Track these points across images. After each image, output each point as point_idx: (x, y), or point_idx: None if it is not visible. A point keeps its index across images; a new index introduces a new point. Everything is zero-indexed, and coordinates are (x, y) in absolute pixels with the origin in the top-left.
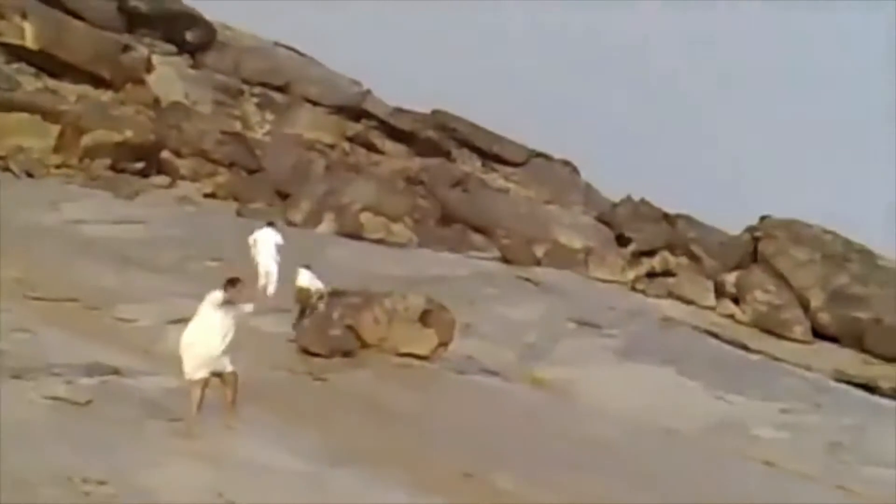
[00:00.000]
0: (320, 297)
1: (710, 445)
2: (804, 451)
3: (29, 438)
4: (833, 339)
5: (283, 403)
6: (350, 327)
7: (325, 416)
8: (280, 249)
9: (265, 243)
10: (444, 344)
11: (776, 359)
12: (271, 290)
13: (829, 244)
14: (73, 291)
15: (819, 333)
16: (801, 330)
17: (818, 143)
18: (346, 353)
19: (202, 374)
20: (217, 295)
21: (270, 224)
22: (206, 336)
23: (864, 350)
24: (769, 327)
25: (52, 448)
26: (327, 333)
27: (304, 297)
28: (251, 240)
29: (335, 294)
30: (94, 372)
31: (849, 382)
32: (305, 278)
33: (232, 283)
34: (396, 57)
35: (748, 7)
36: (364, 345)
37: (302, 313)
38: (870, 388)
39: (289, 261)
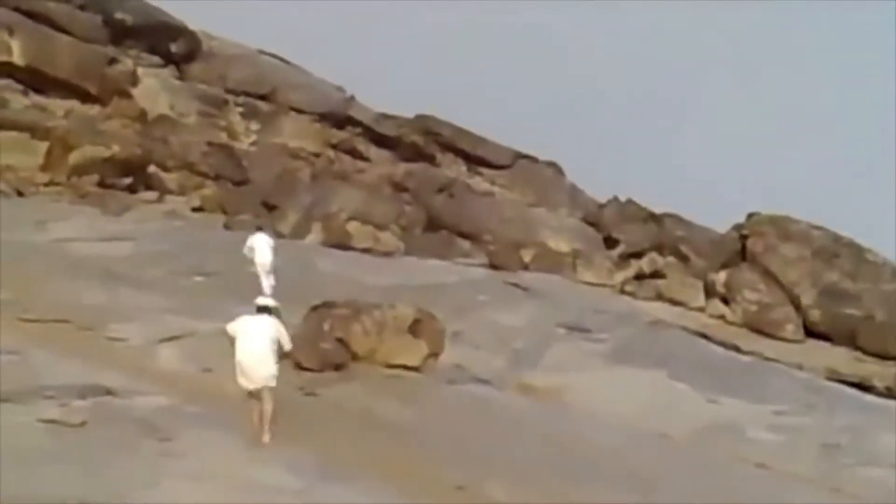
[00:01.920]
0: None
1: (702, 448)
2: (798, 452)
3: (24, 462)
4: (825, 337)
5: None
6: (340, 340)
7: (316, 430)
8: (275, 252)
9: (261, 247)
10: (434, 354)
11: (768, 359)
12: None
13: (817, 239)
14: (63, 312)
15: (810, 331)
16: (792, 329)
17: (808, 138)
18: (338, 367)
19: (255, 386)
20: (273, 323)
21: (260, 229)
22: (263, 355)
23: (856, 348)
24: (760, 327)
25: (47, 471)
26: (318, 347)
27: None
28: (247, 248)
29: (325, 306)
30: (88, 393)
31: (842, 381)
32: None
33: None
34: (380, 60)
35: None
36: (355, 357)
37: None
38: (863, 387)
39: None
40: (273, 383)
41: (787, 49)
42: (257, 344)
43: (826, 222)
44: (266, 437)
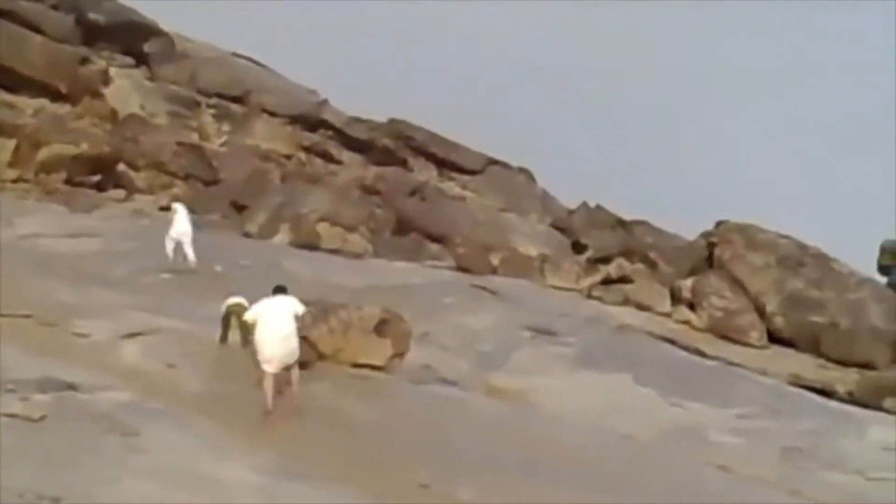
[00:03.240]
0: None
1: (666, 451)
2: (760, 455)
3: None
4: (789, 344)
5: (238, 417)
6: (305, 339)
7: (281, 428)
8: (195, 224)
9: (179, 218)
10: (399, 354)
11: (733, 364)
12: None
13: (783, 248)
14: (28, 307)
15: (775, 338)
16: (756, 335)
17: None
18: (302, 365)
19: (284, 365)
20: (292, 301)
21: (177, 201)
22: (288, 338)
23: (819, 354)
24: (725, 333)
25: (6, 465)
26: None
27: (238, 310)
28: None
29: None
30: (49, 388)
31: (805, 387)
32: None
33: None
34: (353, 63)
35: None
36: (321, 356)
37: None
38: (826, 392)
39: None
40: (298, 357)
41: (756, 53)
42: (282, 323)
43: (797, 231)
44: (298, 400)
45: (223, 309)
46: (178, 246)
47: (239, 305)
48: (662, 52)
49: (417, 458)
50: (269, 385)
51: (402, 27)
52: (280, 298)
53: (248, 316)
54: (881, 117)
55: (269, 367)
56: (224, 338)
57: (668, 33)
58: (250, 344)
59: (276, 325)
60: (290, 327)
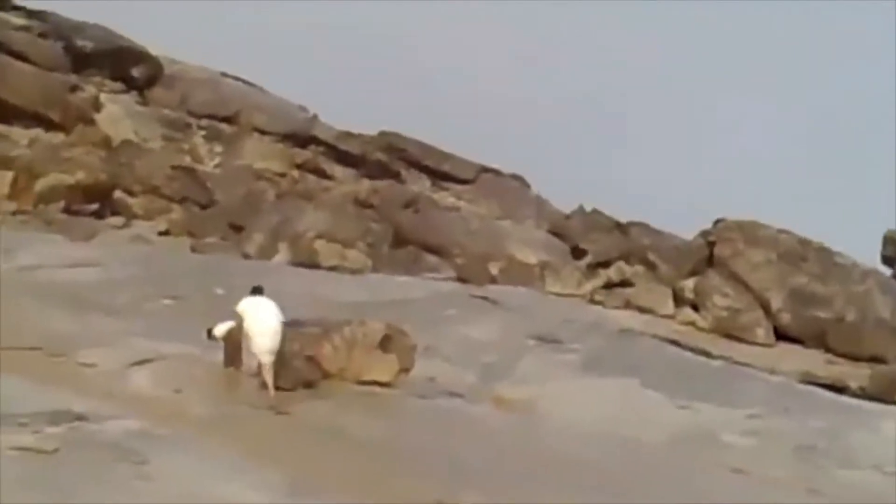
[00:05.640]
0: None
1: (677, 455)
2: (774, 455)
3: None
4: (796, 341)
5: (246, 439)
6: (310, 358)
7: (288, 449)
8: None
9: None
10: (405, 369)
11: (739, 364)
12: None
13: (784, 243)
14: (34, 339)
15: (781, 335)
16: (762, 333)
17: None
18: (308, 385)
19: (268, 359)
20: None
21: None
22: (278, 332)
23: (827, 350)
24: (730, 332)
25: (22, 499)
26: (289, 366)
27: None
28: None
29: (294, 325)
30: (61, 419)
31: (816, 384)
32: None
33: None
34: (340, 77)
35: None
36: (325, 375)
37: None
38: (837, 388)
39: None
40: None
41: (755, 52)
42: (272, 319)
43: (797, 226)
44: (271, 391)
45: (216, 336)
46: None
47: (234, 330)
48: (658, 51)
49: (427, 473)
50: (267, 371)
51: (384, 36)
52: (262, 299)
53: (237, 308)
54: (880, 105)
55: (266, 358)
56: (229, 362)
57: (662, 31)
58: (236, 363)
59: (267, 321)
60: (278, 324)
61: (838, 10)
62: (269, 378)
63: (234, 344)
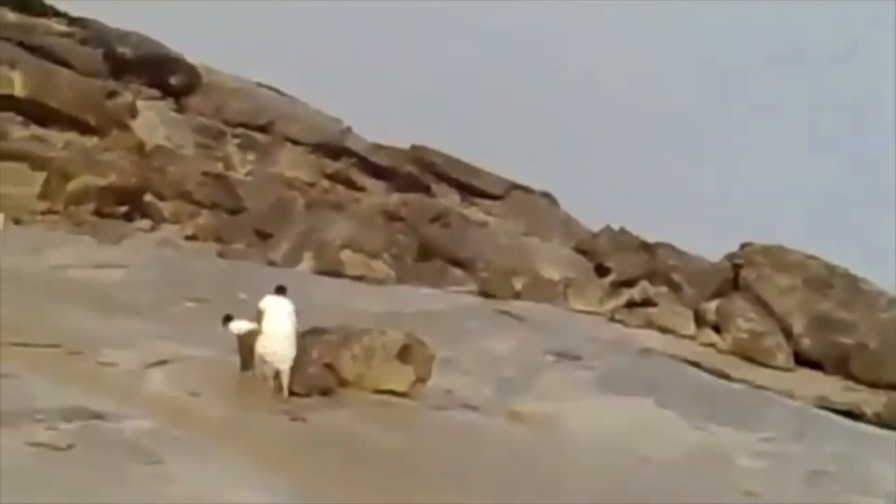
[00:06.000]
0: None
1: (690, 475)
2: (786, 480)
3: (11, 485)
4: (816, 366)
5: (259, 444)
6: (328, 365)
7: (304, 455)
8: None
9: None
10: (422, 380)
11: (758, 387)
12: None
13: (811, 268)
14: (56, 337)
15: (802, 360)
16: (783, 357)
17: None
18: (325, 392)
19: (280, 366)
20: (289, 306)
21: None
22: (289, 337)
23: (848, 376)
24: (751, 355)
25: (34, 495)
26: (306, 372)
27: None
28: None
29: (314, 332)
30: (76, 417)
31: (833, 410)
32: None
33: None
34: (374, 90)
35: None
36: (343, 382)
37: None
38: (854, 415)
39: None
40: (291, 361)
41: (791, 71)
42: (287, 324)
43: (824, 251)
44: (286, 393)
45: (232, 331)
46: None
47: (253, 333)
48: (690, 73)
49: (441, 484)
50: (270, 373)
51: (419, 52)
52: (283, 300)
53: (259, 305)
54: None
55: (279, 362)
56: (245, 365)
57: (693, 52)
58: (249, 367)
59: (280, 327)
60: (291, 329)
61: (878, 39)
62: (270, 377)
63: (250, 348)
